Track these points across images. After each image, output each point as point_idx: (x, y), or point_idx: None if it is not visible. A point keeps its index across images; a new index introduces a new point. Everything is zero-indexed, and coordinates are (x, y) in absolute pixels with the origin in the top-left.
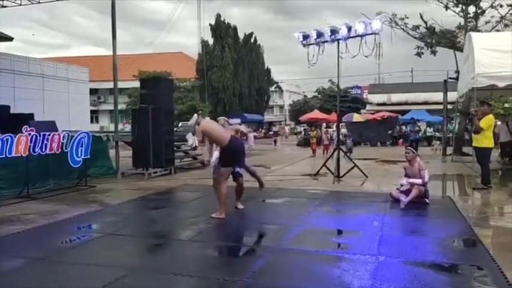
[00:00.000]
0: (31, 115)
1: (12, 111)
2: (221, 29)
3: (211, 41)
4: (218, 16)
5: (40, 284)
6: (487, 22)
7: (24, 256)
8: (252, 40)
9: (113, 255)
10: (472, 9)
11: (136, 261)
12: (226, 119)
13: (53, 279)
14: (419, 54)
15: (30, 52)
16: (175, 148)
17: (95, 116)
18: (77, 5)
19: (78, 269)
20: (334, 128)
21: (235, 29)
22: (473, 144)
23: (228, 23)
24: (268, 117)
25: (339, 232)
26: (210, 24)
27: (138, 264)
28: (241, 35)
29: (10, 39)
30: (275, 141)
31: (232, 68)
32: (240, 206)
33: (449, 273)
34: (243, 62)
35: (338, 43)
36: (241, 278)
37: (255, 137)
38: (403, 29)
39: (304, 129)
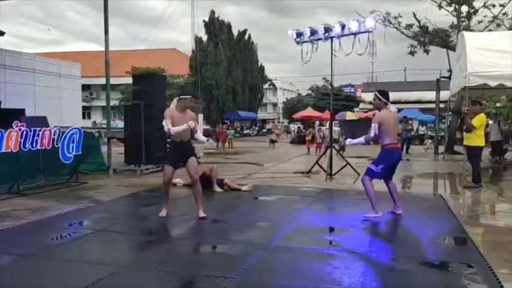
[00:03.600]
0: (22, 110)
1: (2, 106)
2: (215, 26)
3: (205, 38)
4: (212, 13)
5: (27, 281)
6: (479, 22)
7: (12, 253)
8: (246, 37)
9: (102, 252)
10: (465, 8)
11: (126, 258)
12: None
13: (41, 276)
14: (412, 53)
15: (22, 47)
16: (167, 145)
17: (87, 112)
18: (70, 0)
19: (67, 266)
20: (327, 126)
21: (229, 26)
22: (465, 143)
23: (222, 20)
24: (261, 114)
25: (331, 230)
26: (204, 21)
27: (128, 261)
28: (235, 32)
29: (1, 33)
30: (273, 142)
31: (226, 65)
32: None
33: (440, 271)
34: (236, 59)
35: (332, 41)
36: (231, 275)
37: (249, 135)
38: (396, 28)
39: (298, 127)
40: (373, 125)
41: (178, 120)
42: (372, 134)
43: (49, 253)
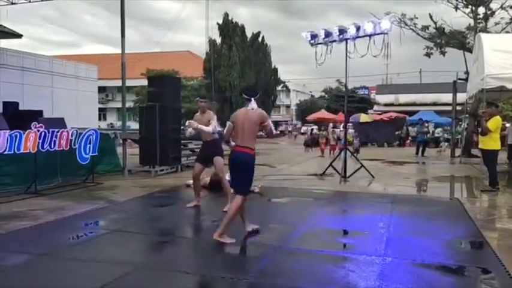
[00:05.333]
0: (40, 112)
1: (20, 107)
2: (228, 28)
3: (218, 40)
4: (226, 15)
5: (44, 280)
6: (496, 23)
7: (29, 252)
8: (260, 39)
9: (118, 252)
10: (481, 10)
11: (141, 258)
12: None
13: (57, 276)
14: (428, 55)
15: (39, 50)
16: (182, 146)
17: (102, 113)
18: (86, 3)
19: (84, 266)
20: (341, 128)
21: (242, 28)
22: (480, 146)
23: (235, 22)
24: (274, 116)
25: (345, 232)
26: (218, 23)
27: (143, 261)
28: (248, 34)
29: (19, 36)
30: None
31: (239, 67)
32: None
33: (456, 275)
34: (250, 61)
35: (346, 43)
36: (246, 276)
37: (261, 136)
38: (412, 29)
39: (312, 129)
40: (227, 123)
41: (198, 121)
42: (225, 132)
43: (65, 253)
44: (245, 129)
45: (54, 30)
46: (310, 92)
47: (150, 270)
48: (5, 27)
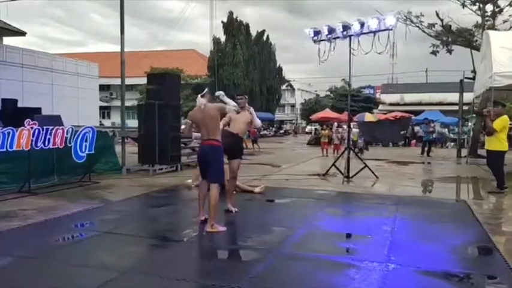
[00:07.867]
0: (38, 109)
1: (20, 105)
2: (233, 27)
3: (223, 39)
4: (230, 14)
5: (22, 286)
6: (505, 21)
7: (13, 254)
8: (264, 38)
9: (105, 255)
10: (489, 7)
11: (129, 263)
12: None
13: (38, 280)
14: (434, 53)
15: (46, 48)
16: (182, 145)
17: (106, 111)
18: (93, 2)
19: (67, 270)
20: (345, 127)
21: (247, 26)
22: (486, 147)
23: (240, 20)
24: (279, 115)
25: (346, 236)
26: (222, 22)
27: (131, 266)
28: (253, 33)
29: (23, 33)
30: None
31: (244, 65)
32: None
33: (462, 284)
34: (254, 60)
35: (350, 39)
36: (238, 283)
37: (265, 136)
38: (418, 27)
39: (315, 128)
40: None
41: (237, 119)
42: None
43: (49, 255)
44: (202, 123)
45: (62, 29)
46: (316, 91)
47: (137, 276)
48: (9, 24)
